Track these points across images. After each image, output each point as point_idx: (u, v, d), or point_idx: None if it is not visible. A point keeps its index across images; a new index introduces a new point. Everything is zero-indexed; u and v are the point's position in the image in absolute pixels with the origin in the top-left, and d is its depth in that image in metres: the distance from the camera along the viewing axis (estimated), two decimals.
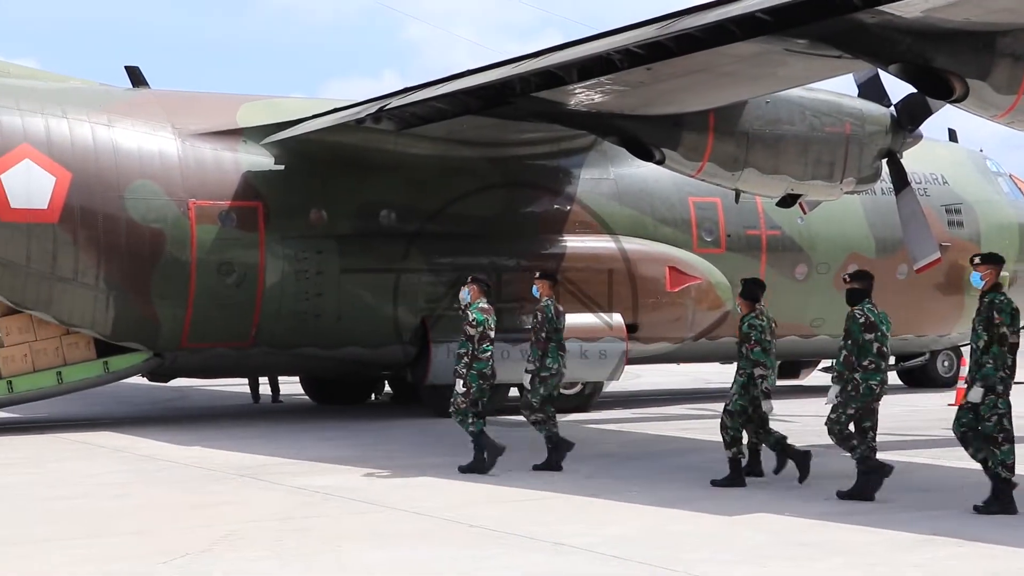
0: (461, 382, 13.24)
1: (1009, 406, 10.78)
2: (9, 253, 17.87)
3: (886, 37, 12.70)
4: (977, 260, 11.27)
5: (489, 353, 13.41)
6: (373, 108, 18.04)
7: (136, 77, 20.89)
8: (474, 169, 20.19)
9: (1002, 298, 10.83)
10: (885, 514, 10.70)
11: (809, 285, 22.50)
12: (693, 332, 21.29)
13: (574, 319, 20.23)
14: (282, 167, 19.46)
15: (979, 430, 10.77)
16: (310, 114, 19.42)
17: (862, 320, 11.53)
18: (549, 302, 13.97)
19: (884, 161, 17.77)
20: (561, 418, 19.52)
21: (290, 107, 20.29)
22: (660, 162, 16.74)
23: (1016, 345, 10.84)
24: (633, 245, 21.05)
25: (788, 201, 17.93)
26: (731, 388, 12.74)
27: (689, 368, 27.91)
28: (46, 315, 18.21)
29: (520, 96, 16.24)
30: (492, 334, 13.47)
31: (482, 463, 13.23)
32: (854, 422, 11.59)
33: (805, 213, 20.67)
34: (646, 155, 16.73)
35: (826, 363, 25.24)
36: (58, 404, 19.96)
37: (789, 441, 12.84)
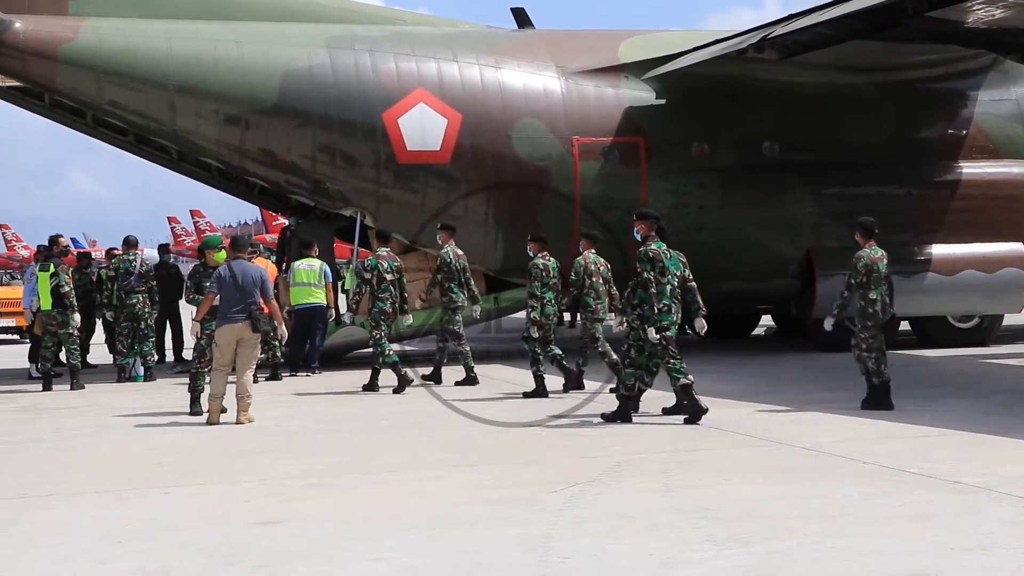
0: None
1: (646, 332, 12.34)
2: (406, 193, 18.76)
3: None
4: (635, 216, 12.78)
5: (387, 294, 15.92)
6: (755, 37, 17.68)
7: (521, 18, 21.39)
8: (861, 95, 19.43)
9: (642, 250, 12.34)
10: None
11: None
12: None
13: (972, 249, 19.24)
14: (663, 101, 19.41)
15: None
16: (690, 47, 19.27)
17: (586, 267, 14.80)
18: (448, 249, 16.24)
19: None
20: (956, 352, 18.72)
21: (671, 41, 20.19)
22: None
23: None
24: None
25: None
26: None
27: None
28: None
29: (912, 17, 15.44)
30: (389, 277, 15.90)
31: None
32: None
33: None
34: None
35: None
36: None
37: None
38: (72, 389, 16.87)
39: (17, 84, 18.71)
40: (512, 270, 19.07)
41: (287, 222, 21.14)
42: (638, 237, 12.63)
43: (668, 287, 12.33)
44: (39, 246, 19.17)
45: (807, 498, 8.66)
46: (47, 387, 17.01)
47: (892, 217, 19.39)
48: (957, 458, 10.08)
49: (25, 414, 14.42)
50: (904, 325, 20.10)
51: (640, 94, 19.45)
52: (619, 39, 20.38)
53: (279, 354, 17.51)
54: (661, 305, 12.28)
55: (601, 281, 14.92)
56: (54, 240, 17.99)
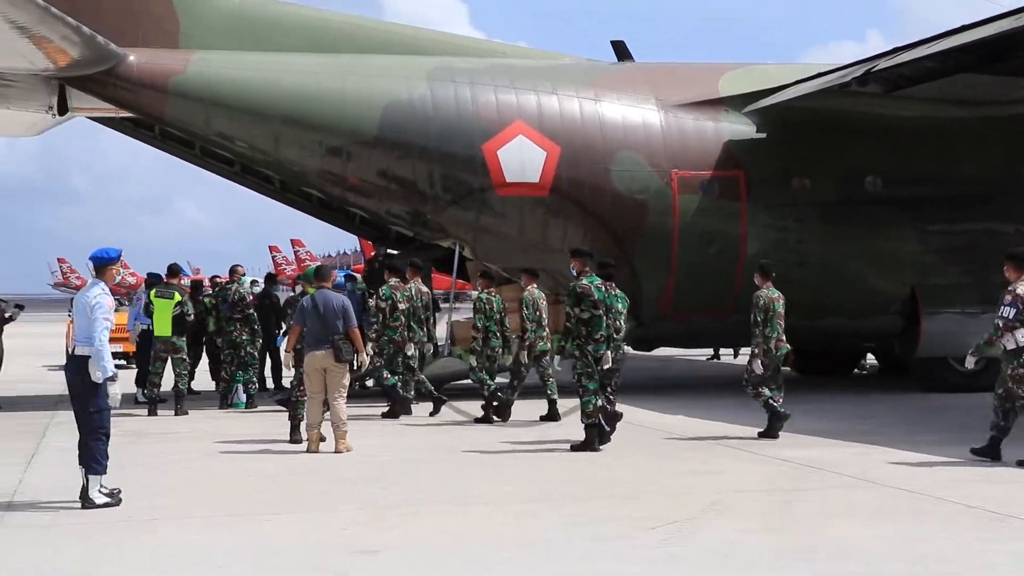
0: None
1: (588, 364, 13.04)
2: (504, 225, 18.82)
3: None
4: (570, 253, 13.80)
5: (399, 323, 16.38)
6: (859, 71, 17.49)
7: (621, 51, 21.40)
8: (968, 130, 19.11)
9: (571, 286, 13.21)
10: None
11: None
12: None
13: None
14: (763, 135, 19.27)
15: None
16: (791, 80, 19.11)
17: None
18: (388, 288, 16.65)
19: None
20: None
21: (771, 74, 20.05)
22: None
23: (588, 320, 13.03)
24: None
25: None
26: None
27: None
28: None
29: (1022, 50, 15.17)
30: (402, 306, 16.44)
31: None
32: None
33: None
34: None
35: None
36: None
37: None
38: (176, 415, 17.14)
39: (130, 115, 19.16)
40: None
41: (377, 252, 21.32)
42: (573, 272, 13.43)
43: (603, 319, 13.03)
44: (148, 273, 19.54)
45: (910, 541, 8.50)
46: (152, 412, 17.31)
47: (1000, 255, 19.00)
48: None
49: (130, 438, 14.68)
50: None
51: (740, 127, 19.32)
52: (719, 72, 20.27)
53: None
54: (597, 336, 13.03)
55: (542, 314, 15.99)
56: (174, 270, 18.29)
